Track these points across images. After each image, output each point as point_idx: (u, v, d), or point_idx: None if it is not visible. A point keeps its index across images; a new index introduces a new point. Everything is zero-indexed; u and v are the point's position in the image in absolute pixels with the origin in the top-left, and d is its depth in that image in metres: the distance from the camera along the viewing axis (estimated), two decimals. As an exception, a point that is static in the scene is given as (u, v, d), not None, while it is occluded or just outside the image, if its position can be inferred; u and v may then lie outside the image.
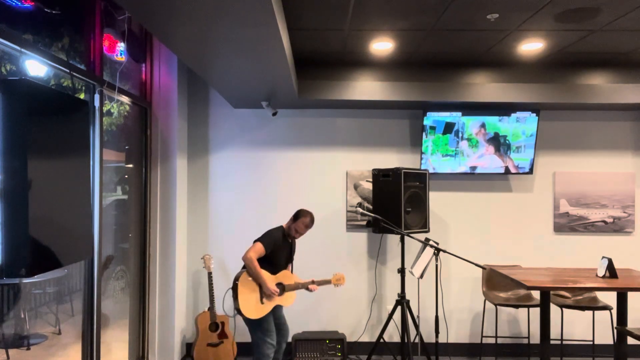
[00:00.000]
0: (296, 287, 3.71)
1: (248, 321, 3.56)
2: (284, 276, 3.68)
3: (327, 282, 3.85)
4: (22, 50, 2.37)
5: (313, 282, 3.74)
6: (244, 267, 3.59)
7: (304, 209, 3.69)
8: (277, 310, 3.74)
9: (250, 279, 3.52)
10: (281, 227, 3.71)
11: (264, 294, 3.54)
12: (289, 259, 3.78)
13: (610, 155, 4.87)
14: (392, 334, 4.73)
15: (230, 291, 3.55)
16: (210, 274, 4.41)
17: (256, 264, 3.48)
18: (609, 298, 4.20)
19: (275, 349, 3.69)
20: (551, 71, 4.42)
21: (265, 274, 3.54)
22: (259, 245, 3.52)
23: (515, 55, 4.11)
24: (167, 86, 4.30)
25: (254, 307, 3.52)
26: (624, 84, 4.39)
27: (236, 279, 3.53)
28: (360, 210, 4.73)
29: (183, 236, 4.61)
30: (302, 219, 3.63)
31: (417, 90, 4.39)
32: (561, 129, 4.87)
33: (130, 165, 4.18)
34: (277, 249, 3.59)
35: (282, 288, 3.65)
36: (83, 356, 3.25)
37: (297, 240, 3.89)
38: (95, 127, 3.25)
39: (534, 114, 4.60)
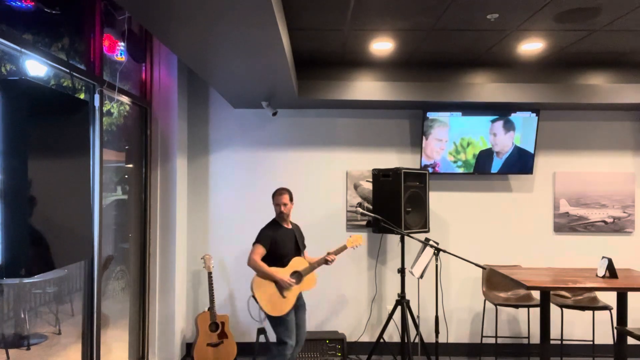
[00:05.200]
0: (312, 268, 3.71)
1: (271, 320, 3.61)
2: (296, 264, 3.68)
3: (343, 248, 3.83)
4: (22, 50, 2.37)
5: (329, 254, 3.75)
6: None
7: (274, 191, 3.80)
8: (300, 312, 3.77)
9: (262, 280, 3.57)
10: (272, 219, 3.78)
11: (282, 288, 3.58)
12: (298, 245, 3.76)
13: (610, 155, 4.87)
14: (392, 334, 4.73)
15: (252, 300, 3.62)
16: (210, 274, 4.41)
17: (261, 264, 3.54)
18: (609, 298, 4.20)
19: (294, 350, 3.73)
20: (551, 71, 4.42)
21: (275, 270, 3.58)
22: (257, 246, 3.60)
23: (515, 55, 4.11)
24: (167, 86, 4.30)
25: (278, 304, 3.56)
26: (624, 84, 4.38)
27: (251, 286, 3.60)
28: (360, 210, 4.72)
29: (183, 236, 4.61)
30: (275, 198, 3.74)
31: (417, 90, 4.39)
32: (561, 129, 4.87)
33: (130, 165, 4.18)
34: (278, 241, 3.63)
35: (299, 275, 3.66)
36: (83, 356, 3.25)
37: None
38: (95, 127, 3.25)
39: (534, 114, 4.60)
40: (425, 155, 4.66)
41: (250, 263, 3.56)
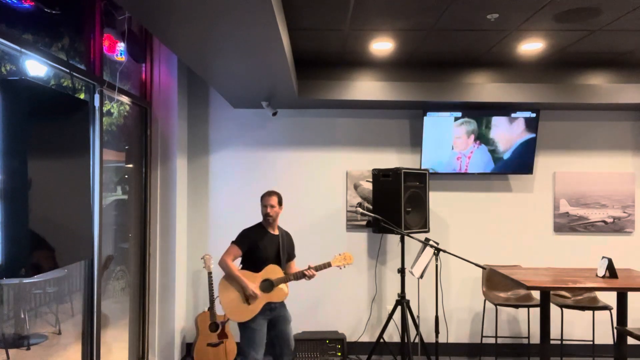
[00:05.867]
0: (287, 279, 3.45)
1: (239, 327, 3.42)
2: (270, 271, 3.43)
3: (327, 265, 3.53)
4: (22, 50, 2.37)
5: (309, 268, 3.46)
6: None
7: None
8: (280, 324, 3.51)
9: (229, 281, 3.39)
10: (259, 222, 3.57)
11: (247, 295, 3.37)
12: (279, 253, 3.51)
13: (610, 155, 4.87)
14: (392, 334, 4.73)
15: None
16: (210, 274, 4.41)
17: (231, 265, 3.36)
18: (609, 298, 4.20)
19: None
20: (551, 71, 4.42)
21: (245, 274, 3.38)
22: (232, 246, 3.42)
23: (515, 55, 4.11)
24: (167, 86, 4.30)
25: (239, 309, 3.36)
26: (624, 84, 4.38)
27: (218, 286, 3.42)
28: (360, 210, 4.72)
29: (183, 236, 4.61)
30: (261, 200, 3.54)
31: (417, 90, 4.39)
32: (561, 129, 4.87)
33: (130, 165, 4.18)
34: (257, 245, 3.41)
35: (270, 284, 3.40)
36: (83, 356, 3.25)
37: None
38: (95, 127, 3.25)
39: (534, 114, 4.60)
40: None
41: (220, 262, 3.38)
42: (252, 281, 3.38)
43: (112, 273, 3.96)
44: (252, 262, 3.44)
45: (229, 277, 3.39)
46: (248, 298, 3.36)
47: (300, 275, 3.47)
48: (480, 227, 4.86)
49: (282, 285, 3.46)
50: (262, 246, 3.44)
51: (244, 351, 3.40)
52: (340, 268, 3.64)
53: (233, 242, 3.44)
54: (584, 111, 4.84)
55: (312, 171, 4.84)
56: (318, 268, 3.50)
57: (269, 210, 3.48)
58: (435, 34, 3.57)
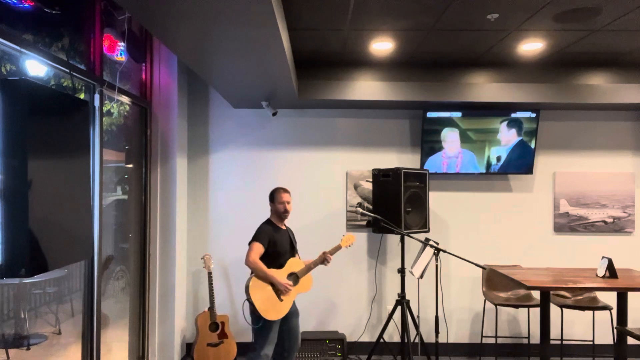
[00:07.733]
0: (308, 269, 3.61)
1: (255, 324, 3.47)
2: (292, 265, 3.57)
3: (338, 248, 3.73)
4: (22, 50, 2.37)
5: (325, 254, 3.65)
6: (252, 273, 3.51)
7: (273, 190, 3.67)
8: (291, 319, 3.63)
9: (260, 281, 3.44)
10: (267, 219, 3.65)
11: (280, 290, 3.46)
12: (292, 246, 3.68)
13: (610, 155, 4.87)
14: (392, 334, 4.73)
15: (247, 303, 3.46)
16: (210, 273, 4.41)
17: (260, 264, 3.41)
18: (609, 298, 4.20)
19: (284, 357, 3.66)
20: (551, 71, 4.42)
21: (273, 271, 3.45)
22: (256, 244, 3.45)
23: (515, 55, 4.11)
24: (167, 86, 4.30)
25: (275, 307, 3.44)
26: (624, 84, 4.38)
27: (247, 287, 3.44)
28: (360, 210, 4.72)
29: (183, 236, 4.61)
30: (278, 196, 3.60)
31: (417, 90, 4.39)
32: (561, 129, 4.87)
33: (130, 165, 4.18)
34: (275, 241, 3.51)
35: (295, 277, 3.56)
36: (83, 356, 3.25)
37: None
38: (95, 127, 3.25)
39: (534, 114, 4.60)
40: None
41: (250, 263, 3.41)
42: (281, 276, 3.49)
43: (112, 273, 3.96)
44: (272, 258, 3.51)
45: (259, 276, 3.45)
46: (280, 294, 3.47)
47: (319, 262, 3.66)
48: (480, 227, 4.86)
49: (306, 277, 3.63)
50: (279, 241, 3.56)
51: (255, 348, 3.47)
52: (348, 247, 3.85)
53: (254, 241, 3.49)
54: (584, 111, 4.84)
55: (312, 171, 4.84)
56: (332, 252, 3.70)
57: (288, 207, 3.62)
58: (435, 34, 3.57)
